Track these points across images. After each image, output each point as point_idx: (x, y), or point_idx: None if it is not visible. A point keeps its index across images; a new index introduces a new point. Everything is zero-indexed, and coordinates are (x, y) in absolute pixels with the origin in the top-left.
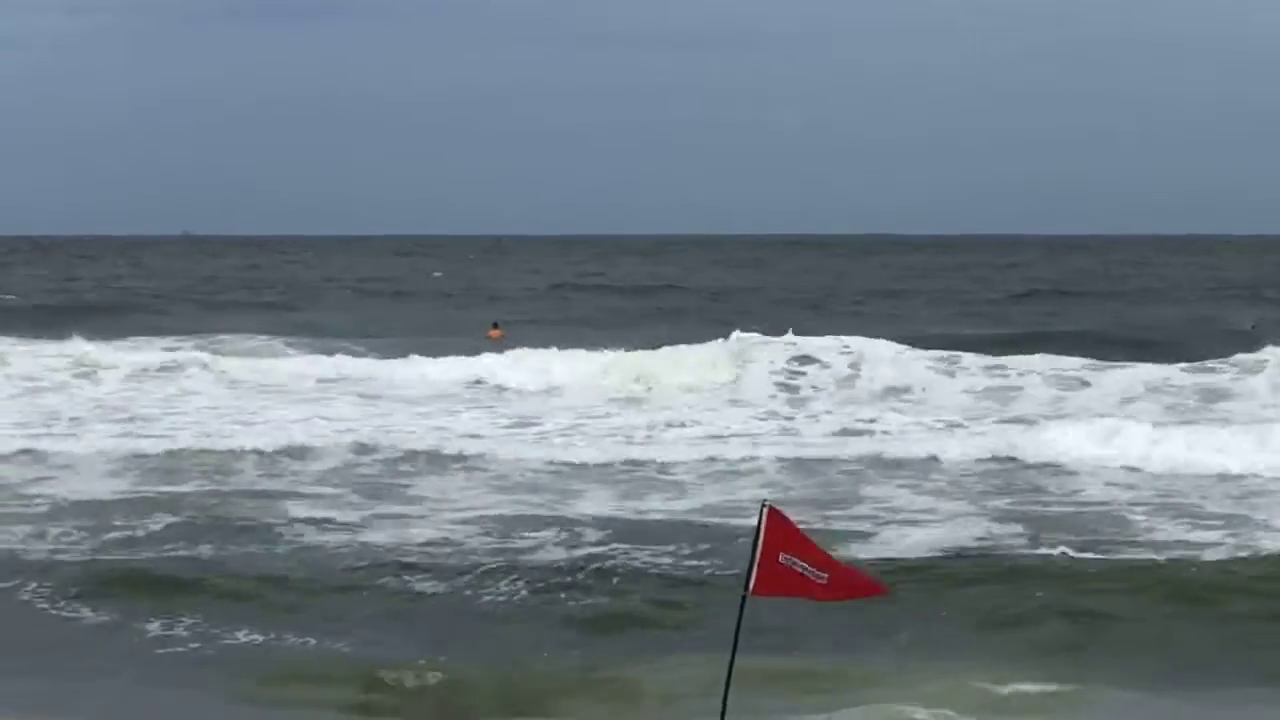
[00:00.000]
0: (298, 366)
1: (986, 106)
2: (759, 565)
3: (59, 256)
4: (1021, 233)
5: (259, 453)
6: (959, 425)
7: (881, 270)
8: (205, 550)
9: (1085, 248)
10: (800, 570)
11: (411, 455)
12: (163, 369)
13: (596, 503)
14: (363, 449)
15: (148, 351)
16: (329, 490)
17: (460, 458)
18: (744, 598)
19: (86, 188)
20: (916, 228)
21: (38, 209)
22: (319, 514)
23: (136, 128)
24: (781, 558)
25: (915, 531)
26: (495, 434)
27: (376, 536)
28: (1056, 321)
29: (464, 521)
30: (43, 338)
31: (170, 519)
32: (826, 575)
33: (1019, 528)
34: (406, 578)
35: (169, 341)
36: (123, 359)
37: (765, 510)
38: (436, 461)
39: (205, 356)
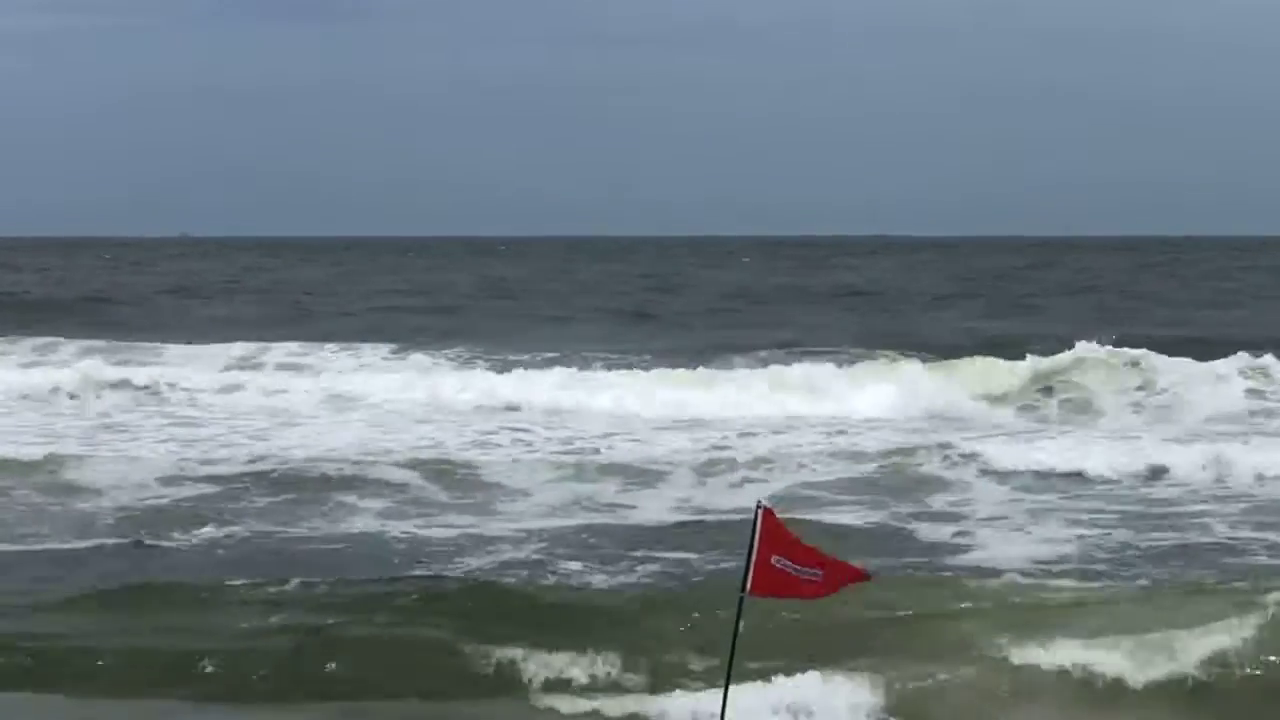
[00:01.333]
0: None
1: (985, 106)
2: (755, 566)
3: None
4: (1022, 234)
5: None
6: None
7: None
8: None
9: (1110, 248)
10: (793, 572)
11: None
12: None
13: None
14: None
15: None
16: None
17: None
18: (741, 599)
19: (81, 188)
20: (910, 228)
21: (31, 209)
22: None
23: (134, 127)
24: (774, 560)
25: None
26: None
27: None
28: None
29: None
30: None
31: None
32: (820, 573)
33: None
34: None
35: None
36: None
37: (760, 511)
38: None
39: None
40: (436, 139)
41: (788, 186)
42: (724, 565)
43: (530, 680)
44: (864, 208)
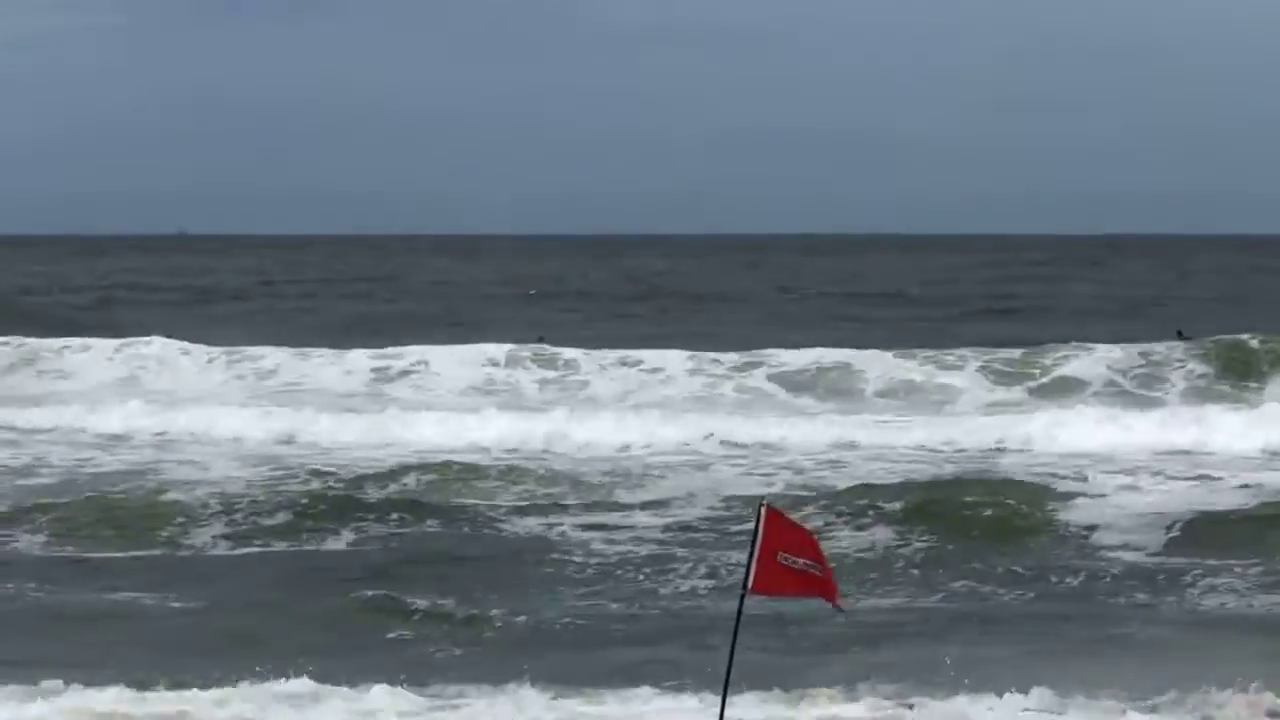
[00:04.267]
0: None
1: (984, 108)
2: (757, 564)
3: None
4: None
5: None
6: None
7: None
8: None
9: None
10: (799, 569)
11: None
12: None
13: None
14: None
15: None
16: None
17: None
18: (742, 596)
19: (74, 186)
20: (907, 227)
21: (24, 209)
22: None
23: (129, 125)
24: (780, 557)
25: None
26: None
27: None
28: None
29: None
30: None
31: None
32: (820, 568)
33: None
34: None
35: None
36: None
37: (764, 510)
38: None
39: None
40: (437, 136)
41: (787, 185)
42: None
43: None
44: (858, 206)
